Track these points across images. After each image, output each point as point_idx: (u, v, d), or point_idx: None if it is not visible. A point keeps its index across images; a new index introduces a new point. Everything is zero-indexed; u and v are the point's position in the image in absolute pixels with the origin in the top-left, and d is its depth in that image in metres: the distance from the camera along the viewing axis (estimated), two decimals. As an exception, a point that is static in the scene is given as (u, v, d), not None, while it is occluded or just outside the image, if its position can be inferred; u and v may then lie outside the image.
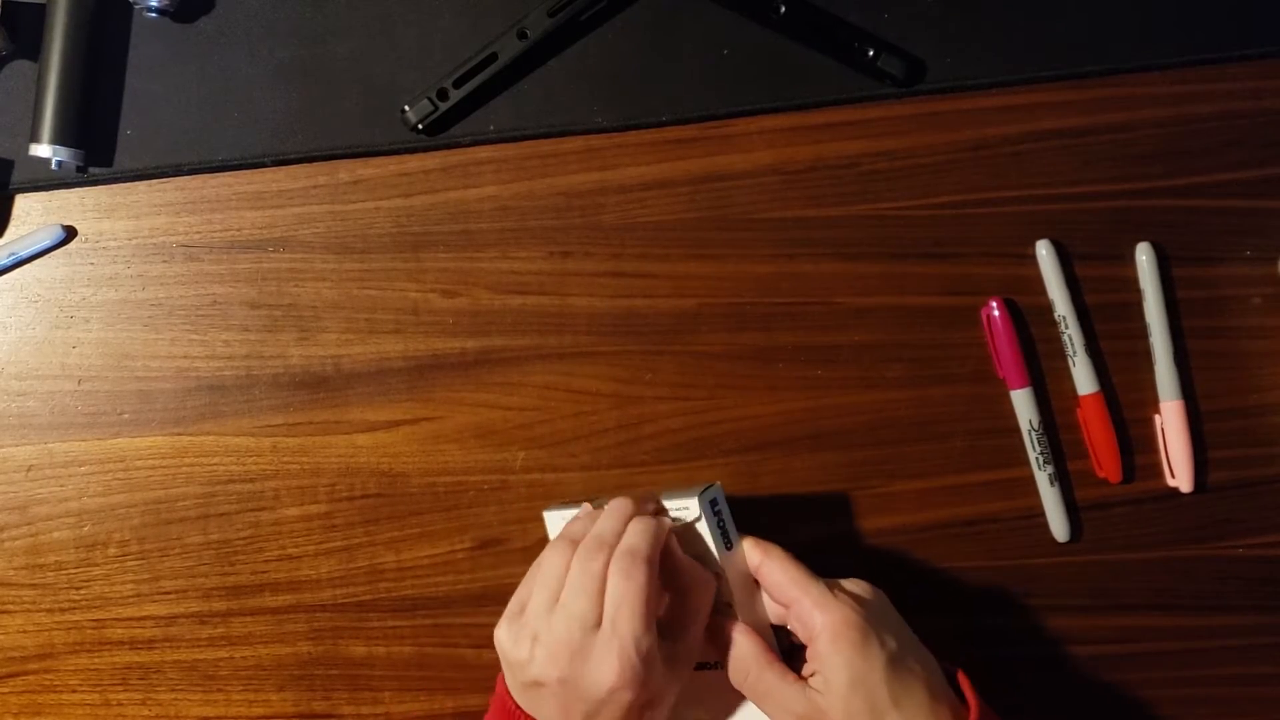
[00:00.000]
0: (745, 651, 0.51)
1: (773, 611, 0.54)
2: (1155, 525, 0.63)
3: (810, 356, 0.63)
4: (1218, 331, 0.63)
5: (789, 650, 0.53)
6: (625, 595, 0.49)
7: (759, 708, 0.52)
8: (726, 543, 0.53)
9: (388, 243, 0.63)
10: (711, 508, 0.53)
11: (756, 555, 0.53)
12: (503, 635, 0.52)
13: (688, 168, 0.63)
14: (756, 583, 0.54)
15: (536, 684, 0.50)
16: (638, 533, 0.51)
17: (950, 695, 0.51)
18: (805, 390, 0.63)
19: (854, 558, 0.63)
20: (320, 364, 0.63)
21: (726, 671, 0.52)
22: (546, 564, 0.52)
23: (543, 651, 0.50)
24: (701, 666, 0.54)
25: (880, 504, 0.63)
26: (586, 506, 0.56)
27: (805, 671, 0.51)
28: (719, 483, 0.54)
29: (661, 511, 0.54)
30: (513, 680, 0.52)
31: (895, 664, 0.49)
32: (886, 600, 0.53)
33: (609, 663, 0.49)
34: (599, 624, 0.49)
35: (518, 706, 0.52)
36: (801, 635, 0.51)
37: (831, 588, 0.51)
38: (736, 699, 0.54)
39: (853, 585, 0.53)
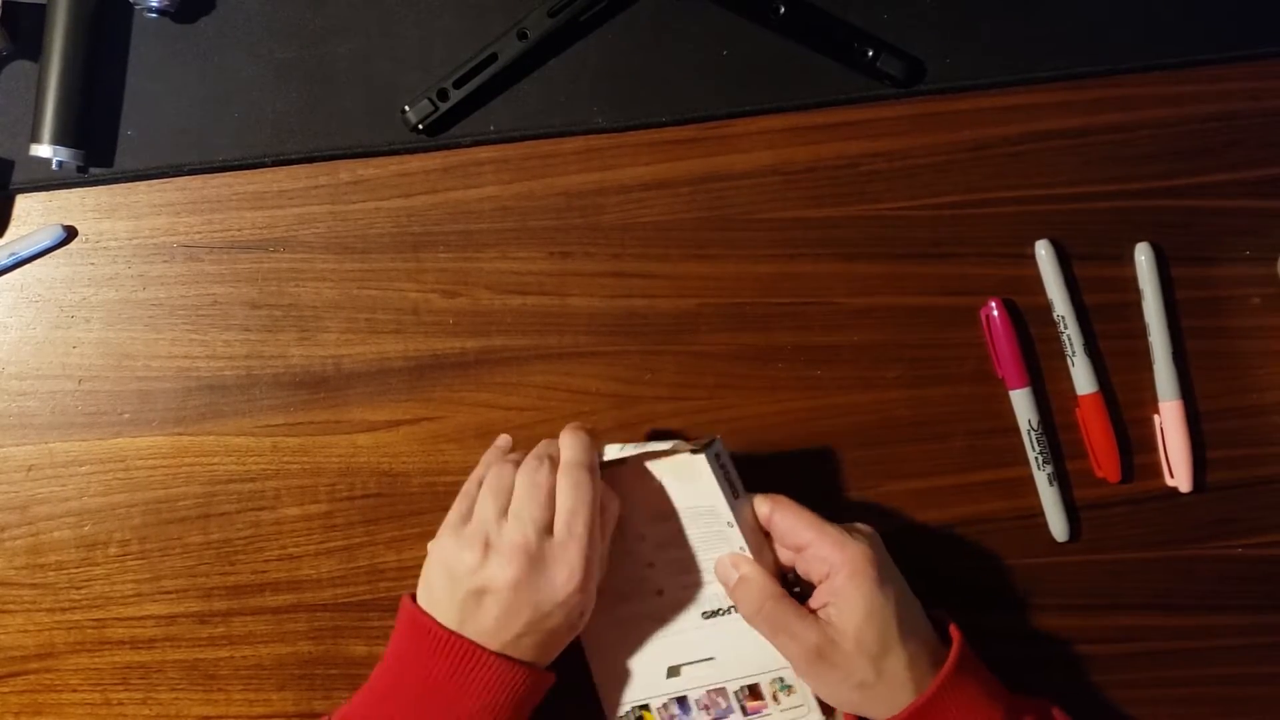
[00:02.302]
0: (760, 585, 0.54)
1: (780, 558, 0.56)
2: (1154, 525, 0.63)
3: (810, 356, 0.63)
4: (1217, 331, 0.63)
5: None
6: (577, 503, 0.52)
7: (770, 639, 0.54)
8: (734, 492, 0.55)
9: (388, 243, 0.63)
10: (717, 461, 0.55)
11: (766, 506, 0.55)
12: (448, 543, 0.53)
13: (688, 168, 0.63)
14: (763, 533, 0.56)
15: (481, 591, 0.52)
16: (574, 446, 0.55)
17: (938, 640, 0.54)
18: (805, 390, 0.63)
19: (854, 557, 0.63)
20: (321, 364, 0.63)
21: (736, 614, 0.55)
22: (492, 476, 0.54)
23: (498, 557, 0.52)
24: (710, 615, 0.56)
25: (879, 504, 0.63)
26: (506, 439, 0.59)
27: (814, 605, 0.53)
28: (719, 436, 0.56)
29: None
30: (450, 592, 0.53)
31: (903, 603, 0.53)
32: (885, 549, 0.56)
33: (567, 564, 0.52)
34: (550, 529, 0.52)
35: (447, 631, 0.52)
36: (814, 574, 0.54)
37: (842, 527, 0.54)
38: (740, 644, 0.56)
39: (861, 528, 0.55)
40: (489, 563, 0.52)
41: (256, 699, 0.62)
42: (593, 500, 0.53)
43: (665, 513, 0.56)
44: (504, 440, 0.59)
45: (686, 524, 0.56)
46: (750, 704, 0.56)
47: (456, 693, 0.52)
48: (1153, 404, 0.63)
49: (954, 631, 0.54)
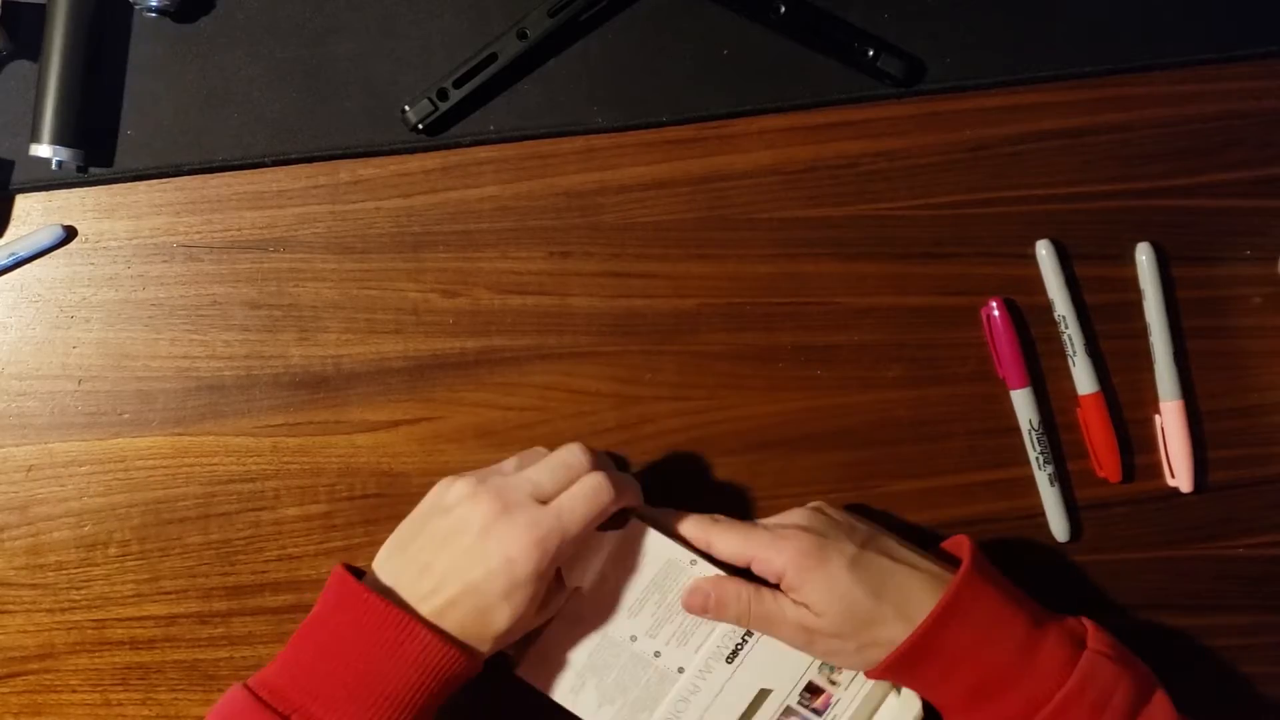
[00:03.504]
0: (735, 592, 0.55)
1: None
2: (1155, 525, 0.63)
3: (810, 356, 0.63)
4: (1218, 331, 0.63)
5: None
6: (586, 498, 0.52)
7: (770, 633, 0.55)
8: (667, 530, 0.56)
9: (388, 243, 0.63)
10: (640, 516, 0.56)
11: (701, 537, 0.56)
12: (451, 479, 0.54)
13: (688, 168, 0.63)
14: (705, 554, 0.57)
15: (444, 514, 0.52)
16: (623, 481, 0.55)
17: (937, 561, 0.55)
18: (805, 390, 0.63)
19: (854, 558, 0.62)
20: (320, 364, 0.63)
21: (753, 637, 0.56)
22: (529, 451, 0.56)
23: (483, 491, 0.52)
24: (733, 656, 0.56)
25: (880, 504, 0.63)
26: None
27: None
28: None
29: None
30: (421, 519, 0.54)
31: (860, 564, 0.53)
32: (828, 511, 0.57)
33: (531, 531, 0.50)
34: (544, 501, 0.52)
35: (375, 596, 0.51)
36: (770, 579, 0.55)
37: (774, 530, 0.55)
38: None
39: (792, 517, 0.57)
40: (466, 483, 0.52)
41: (256, 699, 0.62)
42: (603, 508, 0.52)
43: (639, 600, 0.56)
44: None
45: (662, 594, 0.56)
46: (816, 702, 0.56)
47: (384, 661, 0.50)
48: (1153, 404, 0.63)
49: (967, 551, 0.55)
